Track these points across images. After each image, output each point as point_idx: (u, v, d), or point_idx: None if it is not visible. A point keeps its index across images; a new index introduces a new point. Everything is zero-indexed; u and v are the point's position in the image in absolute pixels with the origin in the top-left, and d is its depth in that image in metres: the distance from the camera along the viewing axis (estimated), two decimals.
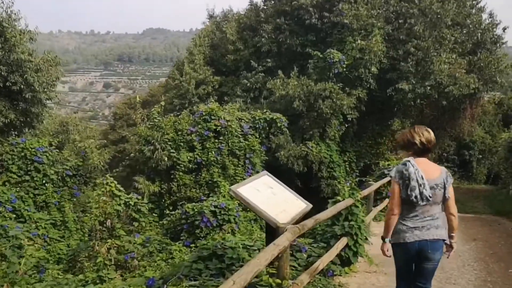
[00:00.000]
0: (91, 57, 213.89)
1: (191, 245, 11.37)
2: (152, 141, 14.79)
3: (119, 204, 10.58)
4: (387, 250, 4.21)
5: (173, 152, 14.93)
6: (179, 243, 11.52)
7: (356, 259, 6.73)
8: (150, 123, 15.40)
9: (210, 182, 15.01)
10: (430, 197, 3.86)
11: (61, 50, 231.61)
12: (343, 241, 6.50)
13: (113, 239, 10.20)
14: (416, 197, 3.85)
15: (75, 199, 15.60)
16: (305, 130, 17.77)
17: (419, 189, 3.83)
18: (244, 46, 21.60)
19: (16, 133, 16.81)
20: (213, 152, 15.16)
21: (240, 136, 15.71)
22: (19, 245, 8.70)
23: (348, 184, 7.09)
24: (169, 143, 15.00)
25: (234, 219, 11.63)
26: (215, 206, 11.57)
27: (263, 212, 4.39)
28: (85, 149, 15.56)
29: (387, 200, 11.52)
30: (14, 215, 14.09)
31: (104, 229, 10.27)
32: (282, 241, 3.60)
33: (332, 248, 6.25)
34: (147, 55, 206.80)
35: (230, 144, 15.41)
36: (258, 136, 16.44)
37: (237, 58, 21.71)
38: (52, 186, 15.25)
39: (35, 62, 14.79)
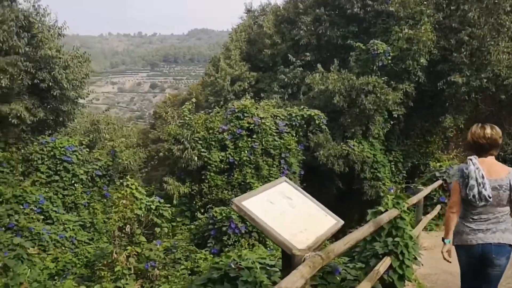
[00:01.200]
0: (138, 59, 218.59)
1: (218, 253, 10.49)
2: (182, 140, 14.01)
3: (140, 208, 9.78)
4: (447, 253, 4.03)
5: (204, 152, 14.09)
6: (205, 251, 10.64)
7: (403, 283, 5.53)
8: (181, 121, 14.66)
9: (242, 183, 14.06)
10: (490, 197, 3.66)
11: (111, 52, 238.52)
12: (386, 261, 5.34)
13: (133, 246, 9.42)
14: (474, 196, 3.70)
15: (105, 200, 15.09)
16: (346, 127, 16.48)
17: (478, 189, 3.67)
18: (281, 39, 20.48)
19: (50, 132, 16.52)
20: (246, 152, 14.20)
21: (275, 134, 14.67)
22: (26, 254, 7.88)
23: (391, 191, 5.90)
24: (200, 142, 14.18)
25: None
26: None
27: (273, 233, 3.34)
28: (115, 148, 15.00)
29: (439, 207, 10.17)
30: (42, 217, 13.68)
31: (123, 235, 9.51)
32: (292, 282, 2.53)
33: (373, 271, 5.11)
34: (192, 55, 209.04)
35: (264, 143, 14.40)
36: (294, 134, 15.33)
37: (274, 52, 20.63)
38: (82, 186, 14.79)
39: (63, 58, 14.33)
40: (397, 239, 5.43)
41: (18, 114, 13.48)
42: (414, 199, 7.35)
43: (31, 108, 14.24)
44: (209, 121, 14.63)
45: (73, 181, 14.56)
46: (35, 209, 13.44)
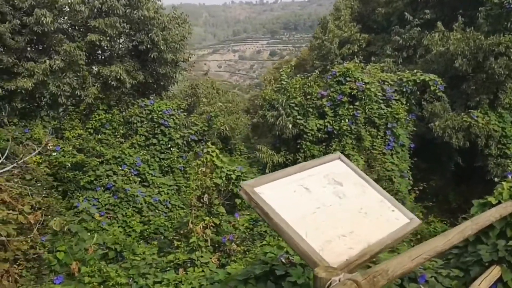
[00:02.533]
0: (259, 26, 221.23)
1: None
2: (277, 106, 13.05)
3: (220, 177, 9.10)
4: None
5: (300, 119, 12.99)
6: None
7: None
8: (277, 85, 13.67)
9: None
10: None
11: (233, 20, 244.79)
12: (494, 272, 3.91)
13: (210, 217, 8.82)
14: None
15: None
16: (470, 96, 14.13)
17: None
18: None
19: (154, 95, 16.69)
20: (347, 120, 12.81)
21: (382, 101, 13.02)
22: (92, 219, 7.61)
23: (510, 176, 4.33)
24: (296, 108, 13.08)
25: None
26: None
27: (293, 238, 2.22)
28: (210, 113, 14.57)
29: None
30: (139, 179, 13.82)
31: (201, 204, 8.94)
32: None
33: (473, 284, 3.75)
34: (312, 22, 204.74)
35: (368, 111, 12.86)
36: (405, 102, 13.50)
37: (389, 11, 18.48)
38: (177, 151, 14.68)
39: (161, 20, 14.03)
40: None
41: (118, 77, 13.55)
42: None
43: (131, 70, 14.27)
44: (307, 86, 13.42)
45: (169, 145, 14.50)
46: (132, 171, 13.61)
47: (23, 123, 13.28)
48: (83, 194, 12.65)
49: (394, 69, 16.52)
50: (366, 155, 12.71)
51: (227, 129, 14.55)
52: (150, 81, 15.12)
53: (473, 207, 4.17)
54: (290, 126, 12.77)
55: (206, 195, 8.83)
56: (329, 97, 13.08)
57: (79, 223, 7.01)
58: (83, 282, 6.65)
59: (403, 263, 2.28)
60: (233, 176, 9.27)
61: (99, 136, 14.24)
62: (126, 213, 12.52)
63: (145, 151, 14.38)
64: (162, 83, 16.01)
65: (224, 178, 9.14)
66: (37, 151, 9.88)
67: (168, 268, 7.88)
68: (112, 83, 13.61)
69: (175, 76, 16.05)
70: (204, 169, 9.01)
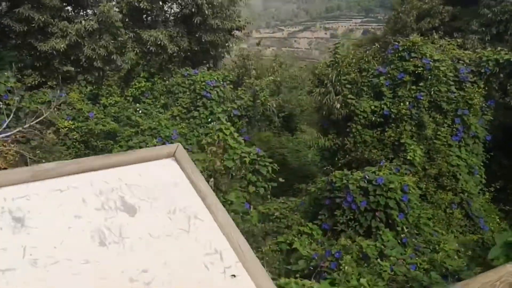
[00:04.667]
0: (354, 4, 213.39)
1: (330, 230, 8.01)
2: (325, 82, 11.38)
3: (232, 159, 7.80)
4: None
5: (352, 98, 11.21)
6: (315, 223, 8.21)
7: None
8: (331, 59, 11.94)
9: (396, 143, 10.86)
10: None
11: None
12: None
13: None
14: None
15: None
16: None
17: None
18: None
19: (208, 65, 15.71)
20: (407, 103, 10.82)
21: (452, 83, 10.82)
22: None
23: None
24: (348, 86, 11.31)
25: (397, 204, 7.59)
26: (369, 181, 7.69)
27: None
28: (256, 86, 13.23)
29: None
30: None
31: None
32: None
33: None
34: None
35: (433, 93, 10.76)
36: (483, 86, 11.17)
37: None
38: (218, 126, 13.56)
39: None
40: None
41: (158, 42, 12.61)
42: None
43: (175, 36, 13.27)
44: (364, 61, 11.55)
45: (209, 119, 13.42)
46: (167, 144, 12.74)
47: (61, 87, 12.85)
48: None
49: (479, 47, 14.01)
50: (427, 145, 10.71)
51: (273, 105, 13.14)
52: (196, 49, 14.01)
53: (493, 248, 2.49)
54: (338, 106, 11.05)
55: (212, 179, 7.60)
56: (388, 75, 11.14)
57: None
58: None
59: None
60: (247, 160, 7.90)
61: (138, 105, 13.51)
62: None
63: (184, 124, 13.44)
64: (212, 53, 14.87)
65: (238, 161, 7.83)
66: (44, 116, 9.20)
67: None
68: (151, 48, 12.70)
69: (227, 46, 14.84)
70: (214, 148, 7.77)
